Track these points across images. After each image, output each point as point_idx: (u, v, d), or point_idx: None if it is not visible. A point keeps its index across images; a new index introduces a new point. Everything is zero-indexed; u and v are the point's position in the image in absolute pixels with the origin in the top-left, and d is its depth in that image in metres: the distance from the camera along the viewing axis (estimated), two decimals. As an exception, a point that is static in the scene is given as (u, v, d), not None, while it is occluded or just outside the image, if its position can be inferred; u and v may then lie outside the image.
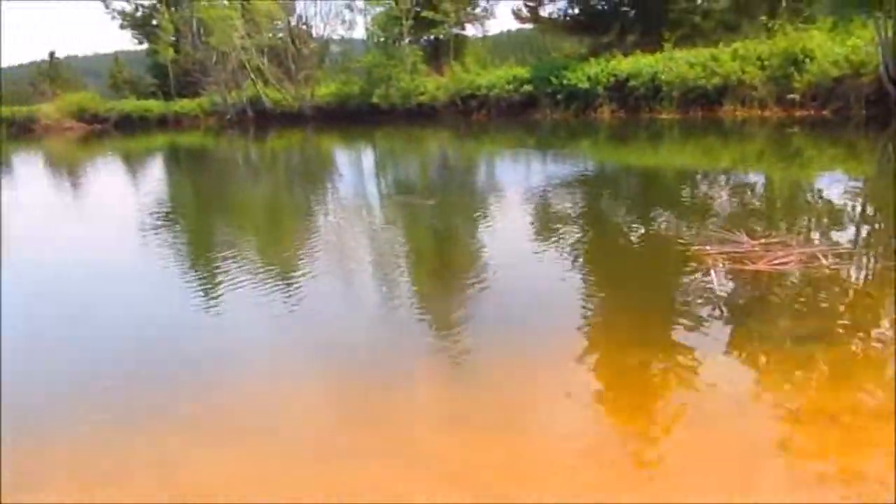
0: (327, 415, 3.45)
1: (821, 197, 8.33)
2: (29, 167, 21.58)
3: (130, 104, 40.43)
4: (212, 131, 31.61)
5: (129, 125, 37.87)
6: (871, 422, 3.03)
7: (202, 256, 7.06)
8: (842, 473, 2.66)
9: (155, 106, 39.23)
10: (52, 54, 57.15)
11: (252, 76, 33.25)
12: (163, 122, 37.60)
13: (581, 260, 6.00)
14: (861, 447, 2.85)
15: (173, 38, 38.70)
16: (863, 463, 2.73)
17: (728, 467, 2.75)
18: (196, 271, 6.40)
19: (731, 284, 4.88)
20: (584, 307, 4.73)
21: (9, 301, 5.53)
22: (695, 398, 3.37)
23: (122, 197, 12.65)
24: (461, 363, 3.93)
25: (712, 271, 5.06)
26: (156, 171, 18.55)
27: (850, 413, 3.11)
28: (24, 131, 39.52)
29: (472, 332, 4.35)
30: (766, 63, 17.90)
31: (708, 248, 5.66)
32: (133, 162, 20.97)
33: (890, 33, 14.60)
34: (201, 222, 9.60)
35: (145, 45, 44.03)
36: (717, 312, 4.38)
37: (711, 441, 2.96)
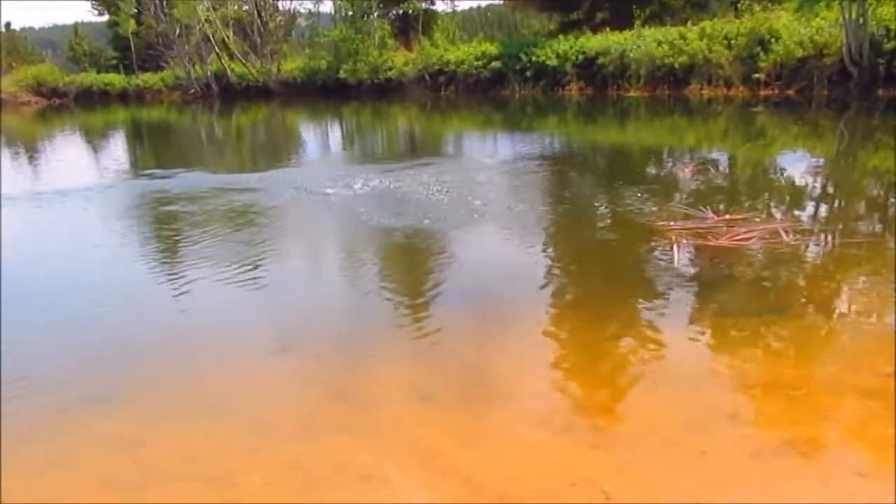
0: (295, 391, 3.42)
1: (783, 175, 8.43)
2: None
3: (91, 77, 39.34)
4: (175, 106, 30.99)
5: (89, 99, 36.93)
6: (824, 394, 3.09)
7: (171, 235, 6.93)
8: (796, 443, 2.70)
9: (116, 79, 38.25)
10: (7, 25, 55.40)
11: (216, 50, 32.60)
12: (124, 97, 36.72)
13: (547, 236, 6.00)
14: (814, 418, 2.90)
15: (135, 10, 37.70)
16: (817, 433, 2.78)
17: (686, 437, 2.78)
18: (163, 251, 6.29)
19: (694, 259, 4.92)
20: (549, 282, 4.73)
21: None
22: (657, 371, 3.41)
23: (82, 172, 12.35)
24: (429, 338, 3.92)
25: (675, 246, 5.10)
26: (118, 148, 18.11)
27: (806, 386, 3.17)
28: (-22, 106, 38.30)
29: (438, 308, 4.34)
30: (732, 42, 18.00)
31: (672, 224, 5.71)
32: (94, 137, 20.47)
33: (854, 15, 14.75)
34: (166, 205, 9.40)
35: (105, 17, 42.82)
36: (679, 286, 4.42)
37: (671, 412, 2.99)
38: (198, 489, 2.61)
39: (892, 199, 6.85)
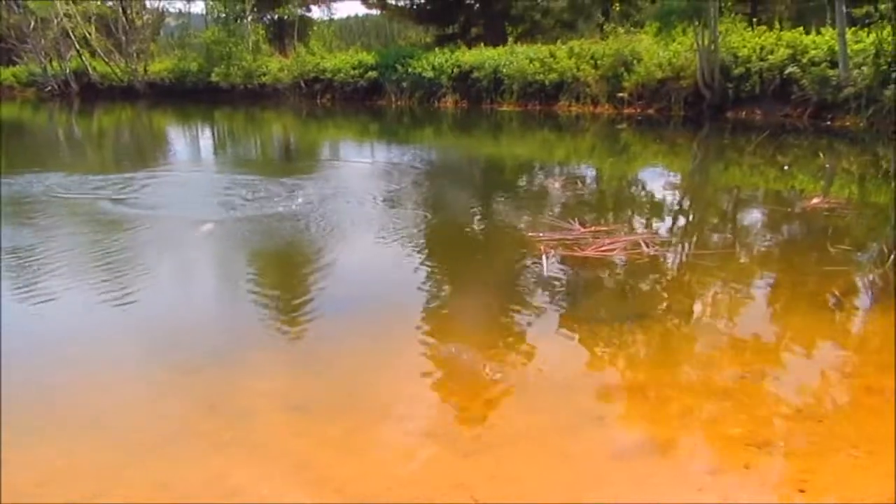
0: (162, 405, 3.27)
1: (644, 190, 8.93)
2: None
3: (-71, 70, 36.10)
4: (29, 104, 28.98)
5: (-74, 94, 33.79)
6: (681, 396, 3.29)
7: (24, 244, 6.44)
8: (655, 443, 2.86)
9: (-41, 73, 35.31)
10: None
11: (77, 46, 30.75)
12: (-33, 92, 33.93)
13: (423, 247, 6.06)
14: (671, 419, 3.09)
15: (-17, -1, 34.98)
16: (674, 433, 2.96)
17: (555, 441, 2.89)
18: (15, 264, 5.84)
19: (561, 269, 5.12)
20: (423, 292, 4.79)
21: None
22: (528, 377, 3.51)
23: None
24: (303, 348, 3.87)
25: (545, 257, 5.29)
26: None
27: (664, 388, 3.36)
28: None
29: (313, 318, 4.29)
30: (599, 62, 18.88)
31: (541, 235, 5.91)
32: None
33: (706, 41, 15.85)
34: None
35: (-51, 5, 39.43)
36: (548, 295, 4.59)
37: (542, 417, 3.09)
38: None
39: (740, 213, 7.42)
